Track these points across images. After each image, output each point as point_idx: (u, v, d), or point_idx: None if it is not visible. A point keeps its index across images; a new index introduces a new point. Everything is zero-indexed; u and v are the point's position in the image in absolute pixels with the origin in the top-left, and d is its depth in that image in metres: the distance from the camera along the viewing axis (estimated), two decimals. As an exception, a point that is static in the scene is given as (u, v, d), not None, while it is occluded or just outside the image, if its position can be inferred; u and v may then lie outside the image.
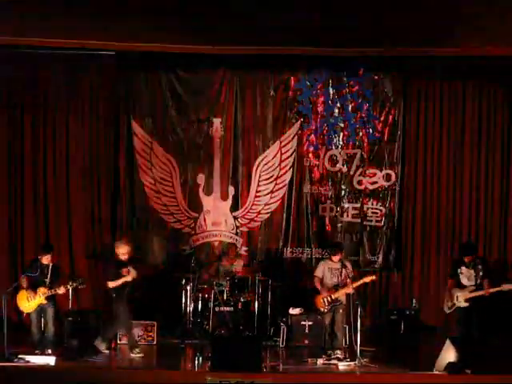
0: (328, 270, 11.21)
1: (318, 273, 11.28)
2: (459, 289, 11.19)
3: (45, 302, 10.85)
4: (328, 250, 11.74)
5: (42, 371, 9.69)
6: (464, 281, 11.20)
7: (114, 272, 11.20)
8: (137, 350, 11.12)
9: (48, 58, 12.79)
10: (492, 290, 11.01)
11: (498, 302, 11.45)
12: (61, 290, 10.90)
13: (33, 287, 10.88)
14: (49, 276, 10.91)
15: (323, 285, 11.20)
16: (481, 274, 11.12)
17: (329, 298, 11.03)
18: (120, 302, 11.15)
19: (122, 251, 11.22)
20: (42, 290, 10.82)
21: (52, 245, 11.82)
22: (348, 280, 11.01)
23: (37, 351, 10.68)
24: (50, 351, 10.73)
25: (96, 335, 11.37)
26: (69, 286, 10.95)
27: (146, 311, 12.47)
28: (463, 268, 11.23)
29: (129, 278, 11.15)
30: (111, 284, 11.13)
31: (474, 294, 11.06)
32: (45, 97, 13.39)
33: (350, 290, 10.98)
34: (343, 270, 11.07)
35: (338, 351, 10.91)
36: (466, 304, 11.11)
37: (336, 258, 11.19)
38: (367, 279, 11.22)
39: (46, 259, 10.99)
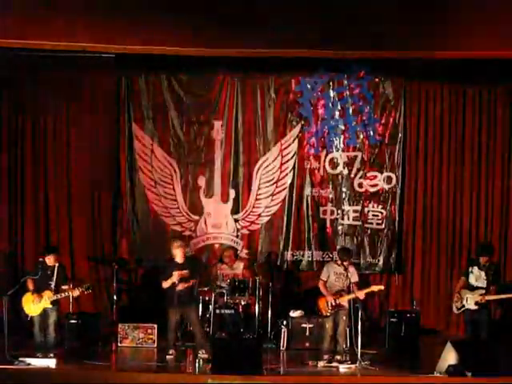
0: (333, 273, 11.09)
1: (324, 276, 11.13)
2: (469, 290, 11.19)
3: (50, 305, 10.79)
4: (337, 254, 11.64)
5: (42, 374, 9.67)
6: (472, 280, 11.22)
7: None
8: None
9: (48, 61, 12.79)
10: (488, 298, 11.06)
11: (509, 306, 11.48)
12: (75, 293, 10.84)
13: (38, 290, 10.81)
14: (54, 278, 10.82)
15: (327, 288, 11.10)
16: (490, 278, 11.14)
17: (333, 303, 10.94)
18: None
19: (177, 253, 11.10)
20: (47, 294, 10.73)
21: (56, 247, 11.82)
22: (353, 286, 10.92)
23: (38, 354, 10.61)
24: (52, 355, 10.62)
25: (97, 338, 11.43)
26: (84, 290, 10.82)
27: (146, 313, 12.47)
28: (475, 268, 11.24)
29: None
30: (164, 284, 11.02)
31: (483, 298, 11.08)
32: (45, 99, 13.41)
33: (355, 296, 10.86)
34: (348, 274, 10.98)
35: (338, 356, 10.86)
36: (476, 307, 11.12)
37: (343, 263, 11.11)
38: (375, 288, 11.15)
39: (50, 260, 10.88)
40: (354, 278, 11.01)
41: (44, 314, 10.84)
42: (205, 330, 11.52)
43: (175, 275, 10.81)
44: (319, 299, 11.09)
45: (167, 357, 10.97)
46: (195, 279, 11.20)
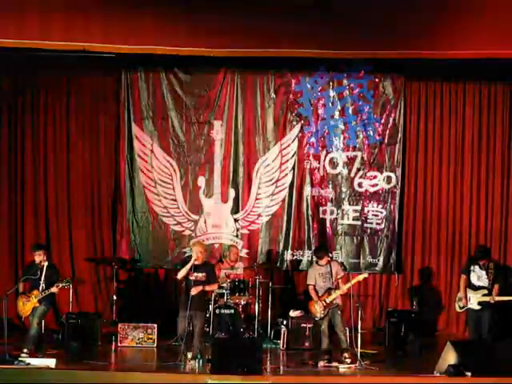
0: (318, 275, 10.92)
1: (311, 280, 10.98)
2: (472, 290, 11.18)
3: (37, 304, 10.80)
4: (313, 254, 11.51)
5: (42, 373, 9.66)
6: (474, 279, 11.21)
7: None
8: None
9: (48, 60, 12.79)
10: (498, 299, 11.08)
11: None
12: (53, 290, 10.83)
13: (28, 291, 10.87)
14: (43, 277, 10.83)
15: (317, 291, 10.94)
16: (492, 277, 11.13)
17: (323, 303, 10.82)
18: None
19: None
20: (34, 293, 10.80)
21: (42, 244, 11.80)
22: (339, 281, 10.88)
23: (37, 354, 10.62)
24: (26, 350, 10.52)
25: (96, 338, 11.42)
26: (60, 285, 10.82)
27: (146, 313, 12.47)
28: (476, 267, 11.23)
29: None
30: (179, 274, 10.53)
31: (486, 299, 11.06)
32: (45, 98, 13.42)
33: (343, 291, 10.80)
34: (333, 271, 10.85)
35: (346, 354, 10.71)
36: (479, 307, 11.11)
37: (323, 262, 10.95)
38: (360, 277, 11.03)
39: (37, 259, 10.90)
40: (339, 273, 10.87)
41: (33, 312, 10.85)
42: (204, 344, 10.75)
43: (187, 266, 10.44)
44: (309, 304, 10.98)
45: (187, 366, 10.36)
46: (209, 285, 10.66)
